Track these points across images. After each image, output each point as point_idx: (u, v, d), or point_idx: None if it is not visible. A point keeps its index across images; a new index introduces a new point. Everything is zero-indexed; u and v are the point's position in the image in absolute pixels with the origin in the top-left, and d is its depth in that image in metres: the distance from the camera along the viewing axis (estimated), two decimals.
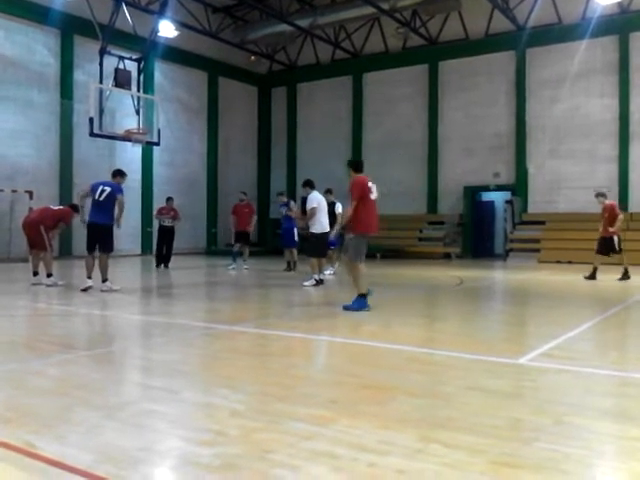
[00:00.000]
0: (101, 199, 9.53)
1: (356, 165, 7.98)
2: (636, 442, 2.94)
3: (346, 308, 7.38)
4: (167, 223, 15.65)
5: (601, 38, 19.29)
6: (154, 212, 16.51)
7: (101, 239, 9.60)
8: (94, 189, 9.64)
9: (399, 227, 22.16)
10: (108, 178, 10.08)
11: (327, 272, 12.55)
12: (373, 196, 7.65)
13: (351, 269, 7.63)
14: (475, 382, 4.06)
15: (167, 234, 15.67)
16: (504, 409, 3.46)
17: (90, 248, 9.66)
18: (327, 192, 13.20)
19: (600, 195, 12.72)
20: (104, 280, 9.58)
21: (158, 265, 15.43)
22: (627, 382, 4.21)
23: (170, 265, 15.41)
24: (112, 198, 9.57)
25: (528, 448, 2.83)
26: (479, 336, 6.14)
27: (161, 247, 15.63)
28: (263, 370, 4.56)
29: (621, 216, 12.30)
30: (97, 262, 9.64)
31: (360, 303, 7.35)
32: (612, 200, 12.97)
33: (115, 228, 9.72)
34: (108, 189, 9.59)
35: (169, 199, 16.13)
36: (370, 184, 7.66)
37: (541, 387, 4.05)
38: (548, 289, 11.10)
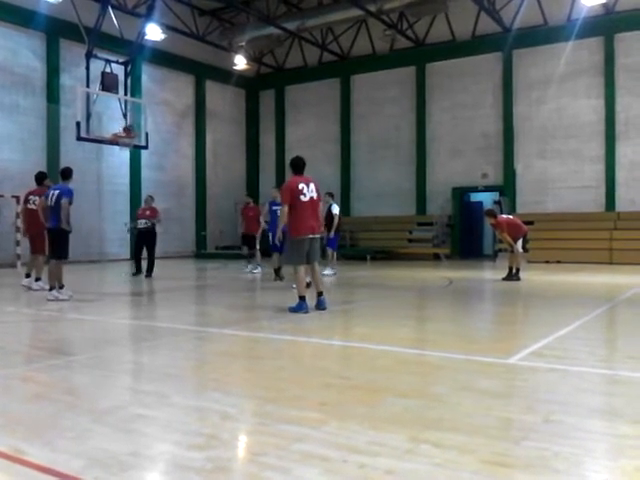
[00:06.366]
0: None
1: (293, 165, 7.68)
2: (625, 439, 2.96)
3: (289, 309, 7.47)
4: (142, 225, 13.82)
5: (587, 39, 19.46)
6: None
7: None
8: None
9: (388, 228, 22.33)
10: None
11: (325, 272, 12.55)
12: (307, 197, 7.43)
13: (293, 272, 7.69)
14: (465, 382, 4.07)
15: (144, 237, 13.82)
16: (494, 409, 3.47)
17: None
18: (327, 195, 13.26)
19: (489, 215, 12.40)
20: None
21: (137, 273, 13.64)
22: (615, 380, 4.24)
23: (154, 274, 13.52)
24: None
25: (518, 447, 2.85)
26: (469, 336, 6.16)
27: (139, 252, 13.87)
28: (253, 373, 4.55)
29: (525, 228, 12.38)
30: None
31: (298, 306, 7.39)
32: (503, 216, 12.84)
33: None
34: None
35: (147, 198, 14.48)
36: (302, 185, 7.43)
37: (531, 386, 4.07)
38: (537, 289, 11.15)
